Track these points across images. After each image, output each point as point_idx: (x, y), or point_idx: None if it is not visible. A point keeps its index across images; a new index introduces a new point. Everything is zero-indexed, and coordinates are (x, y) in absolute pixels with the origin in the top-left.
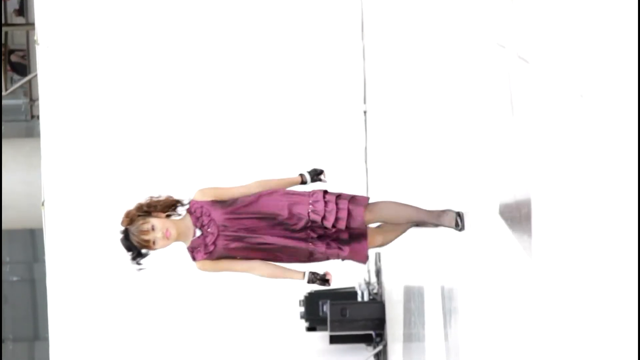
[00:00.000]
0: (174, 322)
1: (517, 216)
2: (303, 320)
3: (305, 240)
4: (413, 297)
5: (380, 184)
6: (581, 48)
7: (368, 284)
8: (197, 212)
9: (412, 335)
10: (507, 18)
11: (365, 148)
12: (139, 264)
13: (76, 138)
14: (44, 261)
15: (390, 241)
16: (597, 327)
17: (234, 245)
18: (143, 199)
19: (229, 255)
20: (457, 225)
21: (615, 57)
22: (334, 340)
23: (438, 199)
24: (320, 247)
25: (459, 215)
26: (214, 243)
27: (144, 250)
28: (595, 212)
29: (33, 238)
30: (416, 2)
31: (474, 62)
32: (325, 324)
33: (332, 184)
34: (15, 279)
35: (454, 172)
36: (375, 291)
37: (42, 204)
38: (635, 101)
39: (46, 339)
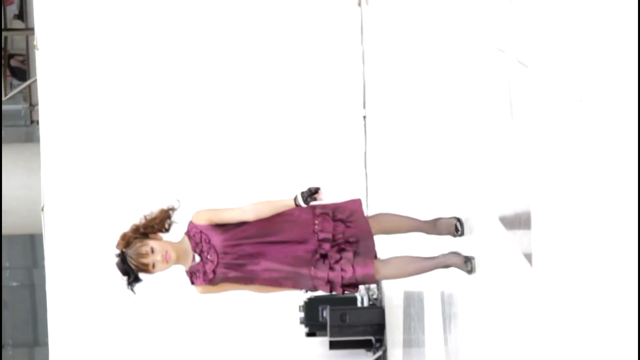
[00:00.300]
0: (174, 328)
1: (517, 222)
2: (303, 326)
3: (307, 265)
4: (413, 303)
5: (379, 189)
6: (580, 52)
7: (368, 289)
8: (196, 237)
9: (412, 340)
10: (506, 22)
11: (365, 153)
12: (133, 290)
13: (76, 143)
14: (43, 266)
15: (396, 275)
16: (597, 333)
17: (232, 274)
18: (137, 219)
19: (229, 281)
20: (456, 230)
21: (615, 62)
22: (333, 345)
23: (438, 204)
24: (323, 273)
25: (459, 220)
26: (213, 271)
27: (140, 275)
28: (596, 217)
29: (33, 243)
30: (415, 7)
31: (474, 66)
32: (325, 329)
33: (332, 190)
34: (14, 284)
35: (454, 177)
36: (375, 296)
37: (42, 209)
38: (635, 106)
39: (46, 345)
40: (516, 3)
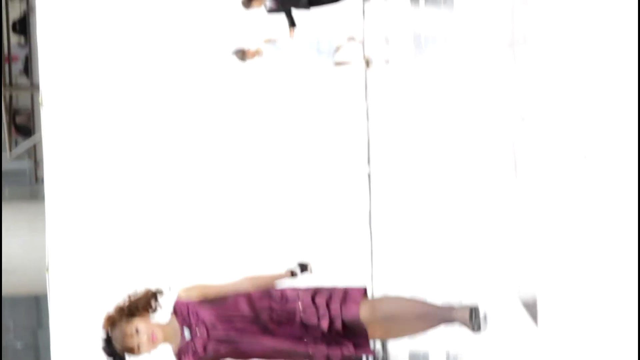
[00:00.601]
0: None
1: (523, 281)
2: None
3: (302, 340)
4: None
5: (384, 249)
6: (583, 109)
7: (373, 349)
8: (183, 312)
9: None
10: (510, 80)
11: (370, 211)
12: None
13: (81, 201)
14: (48, 327)
15: (396, 335)
16: None
17: (224, 349)
18: (121, 299)
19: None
20: (470, 319)
21: (617, 118)
22: None
23: (442, 264)
24: (322, 349)
25: (474, 311)
26: (203, 347)
27: (127, 357)
28: (600, 277)
29: (37, 304)
30: (417, 65)
31: (478, 124)
32: None
33: (335, 250)
34: (19, 345)
35: (459, 237)
36: (380, 356)
37: (47, 269)
38: (636, 160)
39: None
40: (519, 59)
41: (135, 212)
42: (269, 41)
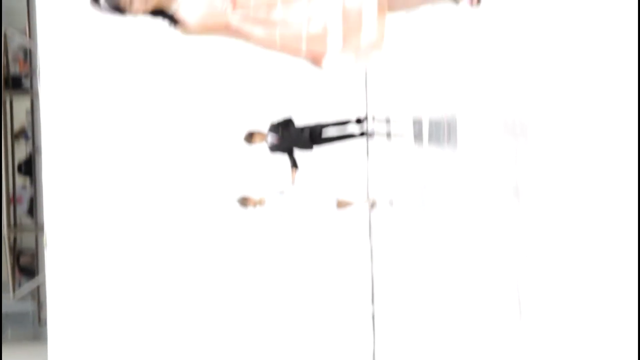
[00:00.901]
0: None
1: None
2: None
3: None
4: None
5: None
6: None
7: None
8: None
9: None
10: (512, 224)
11: (374, 352)
12: None
13: (86, 344)
14: None
15: None
16: None
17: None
18: None
19: None
20: None
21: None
22: None
23: None
24: None
25: None
26: None
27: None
28: None
29: None
30: (422, 206)
31: (481, 266)
32: None
33: None
34: None
35: None
36: None
37: None
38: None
39: None
40: (524, 203)
41: (141, 353)
42: (273, 192)
